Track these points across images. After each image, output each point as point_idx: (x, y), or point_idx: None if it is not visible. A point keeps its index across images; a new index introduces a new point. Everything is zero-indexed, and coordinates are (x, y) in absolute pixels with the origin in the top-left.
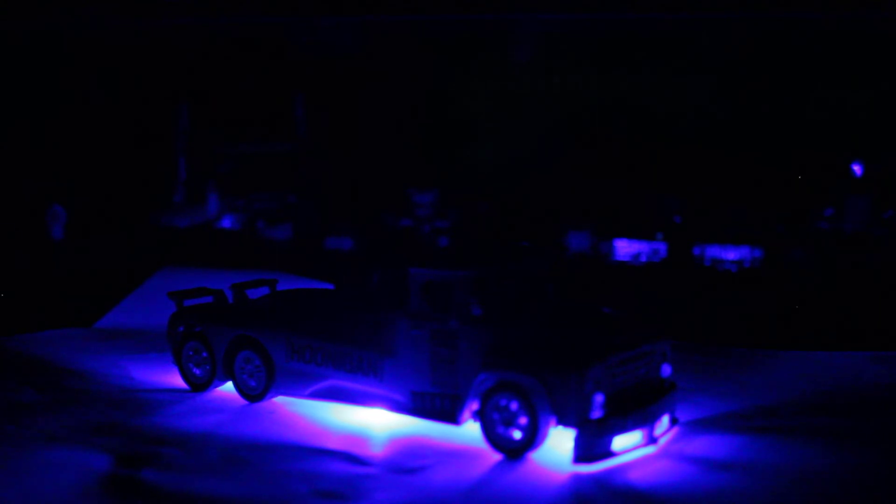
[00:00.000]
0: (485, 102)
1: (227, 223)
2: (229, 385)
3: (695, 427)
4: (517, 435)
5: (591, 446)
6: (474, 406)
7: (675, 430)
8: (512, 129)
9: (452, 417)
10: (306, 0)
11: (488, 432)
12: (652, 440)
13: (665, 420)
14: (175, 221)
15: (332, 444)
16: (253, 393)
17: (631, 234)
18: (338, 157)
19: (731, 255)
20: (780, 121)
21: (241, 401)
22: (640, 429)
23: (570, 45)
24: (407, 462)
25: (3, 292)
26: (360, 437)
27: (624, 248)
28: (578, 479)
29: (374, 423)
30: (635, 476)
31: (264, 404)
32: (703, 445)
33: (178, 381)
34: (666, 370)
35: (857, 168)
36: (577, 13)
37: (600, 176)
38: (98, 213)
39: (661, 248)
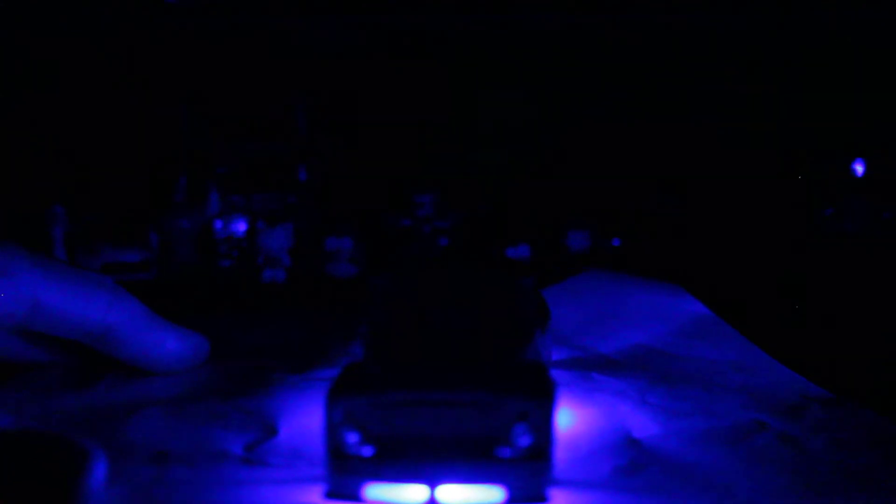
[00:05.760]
0: (485, 102)
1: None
2: None
3: None
4: None
5: None
6: None
7: None
8: (512, 129)
9: None
10: (307, 0)
11: None
12: None
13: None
14: None
15: None
16: None
17: (631, 234)
18: (338, 156)
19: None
20: (779, 121)
21: None
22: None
23: (570, 45)
24: None
25: None
26: None
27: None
28: None
29: None
30: None
31: None
32: None
33: None
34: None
35: (857, 168)
36: (576, 13)
37: (601, 176)
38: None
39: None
